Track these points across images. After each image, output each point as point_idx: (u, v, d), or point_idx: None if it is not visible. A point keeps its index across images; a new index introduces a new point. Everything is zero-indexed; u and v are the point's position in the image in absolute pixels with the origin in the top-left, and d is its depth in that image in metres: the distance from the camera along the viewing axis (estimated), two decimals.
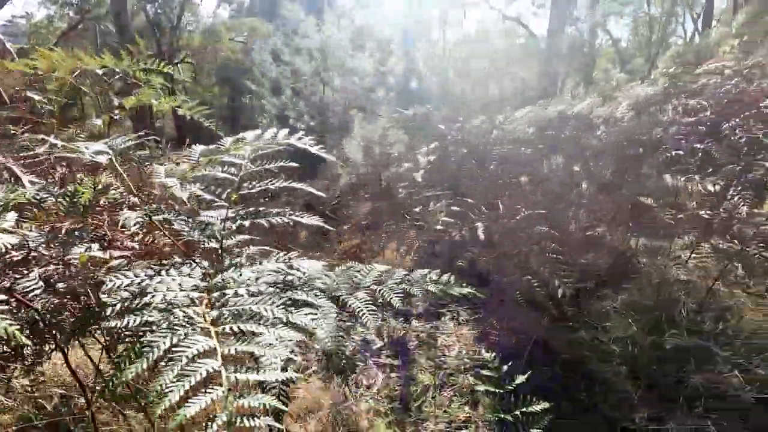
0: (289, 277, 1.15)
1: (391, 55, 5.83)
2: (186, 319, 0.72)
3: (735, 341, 2.86)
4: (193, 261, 0.98)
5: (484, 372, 1.88)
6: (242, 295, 0.82)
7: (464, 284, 1.18)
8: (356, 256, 3.31)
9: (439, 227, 2.16)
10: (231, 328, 0.71)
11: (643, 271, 2.98)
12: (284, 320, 0.77)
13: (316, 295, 1.17)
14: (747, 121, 2.67)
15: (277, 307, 0.78)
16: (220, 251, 1.19)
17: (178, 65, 27.13)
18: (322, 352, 2.75)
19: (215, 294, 0.83)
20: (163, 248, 1.19)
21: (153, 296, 0.79)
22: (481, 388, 1.64)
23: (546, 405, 1.57)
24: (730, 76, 3.47)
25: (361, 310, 1.01)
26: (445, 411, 2.28)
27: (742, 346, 2.79)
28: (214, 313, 0.75)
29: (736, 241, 2.09)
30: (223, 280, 0.88)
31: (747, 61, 3.52)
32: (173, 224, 1.02)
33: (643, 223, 2.42)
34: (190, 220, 1.07)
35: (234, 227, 1.06)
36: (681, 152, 2.24)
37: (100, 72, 2.48)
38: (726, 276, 3.19)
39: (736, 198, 1.96)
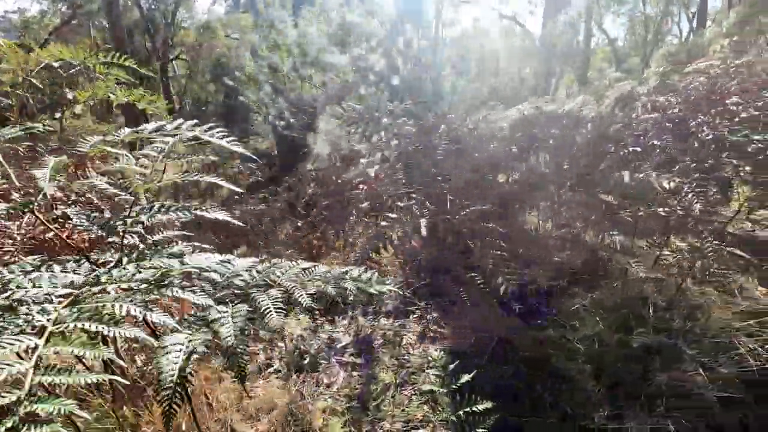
0: (209, 274, 1.12)
1: (376, 52, 5.78)
2: (25, 318, 0.69)
3: (703, 339, 2.85)
4: (86, 257, 0.96)
5: (432, 372, 1.86)
6: (109, 293, 0.79)
7: (388, 281, 1.16)
8: (316, 251, 3.29)
9: (384, 224, 2.13)
10: (71, 327, 0.69)
11: (611, 269, 2.96)
12: (142, 318, 0.75)
13: (235, 295, 1.15)
14: (714, 119, 2.66)
15: (136, 305, 0.75)
16: (141, 243, 1.16)
17: (173, 62, 26.97)
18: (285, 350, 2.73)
19: (83, 290, 0.80)
20: (81, 243, 1.16)
21: (13, 293, 0.76)
22: (426, 387, 1.61)
23: (488, 405, 1.54)
24: (717, 75, 3.45)
25: (268, 308, 0.98)
26: (403, 410, 2.25)
27: (709, 345, 2.78)
28: (64, 311, 0.72)
29: (695, 239, 2.06)
30: (97, 276, 0.85)
31: (737, 60, 3.50)
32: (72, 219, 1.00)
33: (607, 220, 2.40)
34: (94, 215, 1.04)
35: (129, 223, 1.03)
36: (638, 149, 2.22)
37: (56, 65, 2.44)
38: (701, 273, 3.19)
39: (690, 195, 1.94)
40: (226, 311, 1.01)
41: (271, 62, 5.48)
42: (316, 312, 3.37)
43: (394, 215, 2.09)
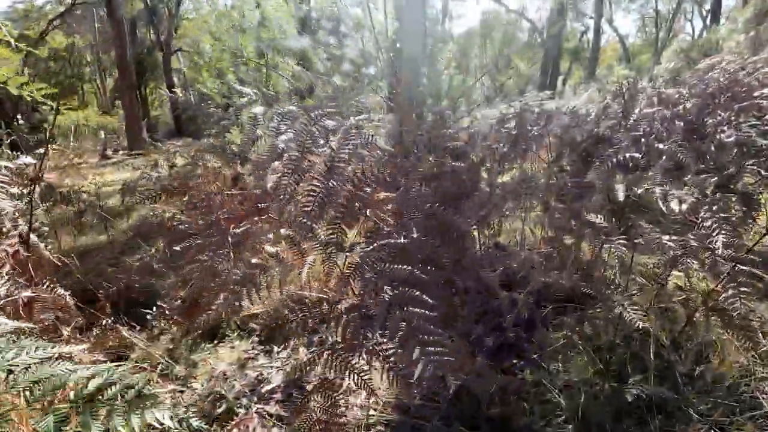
0: None
1: (349, 39, 5.26)
2: None
3: (716, 390, 2.31)
4: None
5: None
6: None
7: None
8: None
9: (255, 261, 1.60)
10: None
11: (606, 296, 2.43)
12: None
13: None
14: (738, 117, 2.11)
15: None
16: None
17: (177, 53, 26.55)
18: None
19: None
20: None
21: None
22: None
23: None
24: (734, 71, 2.93)
25: None
26: None
27: (724, 398, 2.24)
28: None
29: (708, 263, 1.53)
30: None
31: (755, 56, 3.01)
32: None
33: (598, 243, 1.87)
34: None
35: None
36: (637, 154, 1.68)
37: None
38: (713, 300, 2.65)
39: (710, 222, 1.40)
40: None
41: (232, 47, 4.96)
42: (255, 337, 2.87)
43: (270, 249, 1.57)
